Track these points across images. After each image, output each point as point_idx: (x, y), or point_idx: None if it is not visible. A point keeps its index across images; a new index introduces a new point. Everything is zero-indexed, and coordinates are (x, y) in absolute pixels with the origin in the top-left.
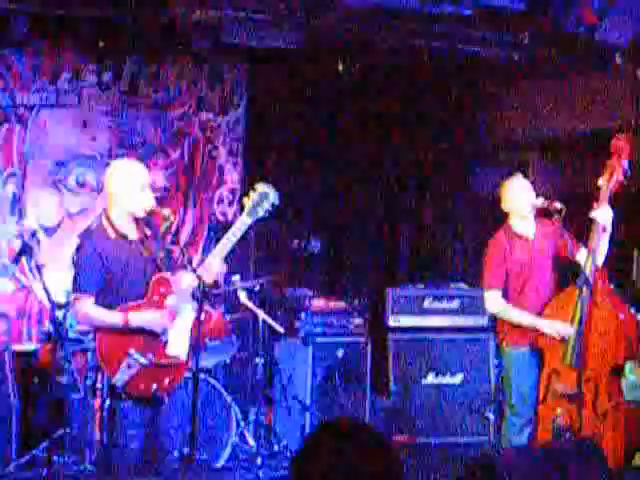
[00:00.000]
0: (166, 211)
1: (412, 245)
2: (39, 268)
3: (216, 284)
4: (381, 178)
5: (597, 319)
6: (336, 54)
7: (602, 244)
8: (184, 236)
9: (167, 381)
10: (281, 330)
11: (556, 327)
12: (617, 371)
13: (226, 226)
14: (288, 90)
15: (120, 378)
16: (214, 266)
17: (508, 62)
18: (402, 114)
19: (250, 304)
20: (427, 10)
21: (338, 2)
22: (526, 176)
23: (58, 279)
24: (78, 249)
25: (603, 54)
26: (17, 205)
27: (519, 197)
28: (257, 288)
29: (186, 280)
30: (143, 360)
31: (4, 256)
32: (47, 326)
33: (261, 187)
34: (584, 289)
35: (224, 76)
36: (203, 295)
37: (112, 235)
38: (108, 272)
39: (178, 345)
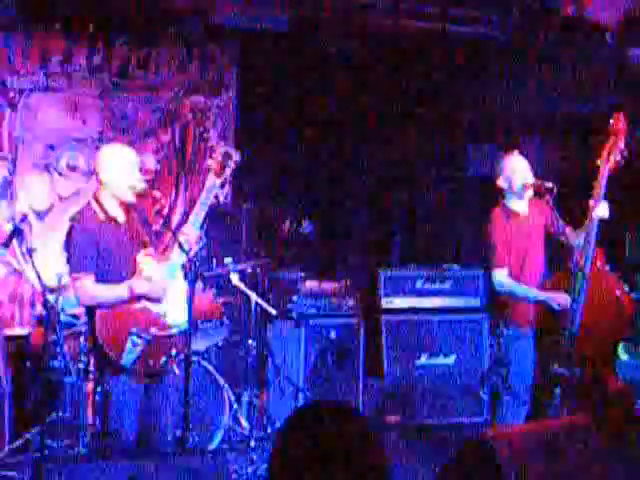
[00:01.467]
0: (157, 194)
1: (405, 226)
2: (30, 252)
3: (193, 252)
4: (373, 160)
5: (594, 299)
6: (326, 35)
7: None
8: (176, 219)
9: (174, 351)
10: (274, 312)
11: (561, 299)
12: (614, 351)
13: (218, 209)
14: (279, 72)
15: (128, 358)
16: (191, 234)
17: (497, 42)
18: (392, 96)
19: (242, 286)
20: None
21: None
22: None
23: (49, 263)
24: (69, 232)
25: (593, 34)
26: (8, 189)
27: (519, 173)
28: (249, 270)
29: (175, 256)
30: (147, 336)
31: None
32: (39, 310)
33: (222, 148)
34: (579, 273)
35: (214, 59)
36: (195, 276)
37: (102, 217)
38: (99, 253)
39: (177, 314)
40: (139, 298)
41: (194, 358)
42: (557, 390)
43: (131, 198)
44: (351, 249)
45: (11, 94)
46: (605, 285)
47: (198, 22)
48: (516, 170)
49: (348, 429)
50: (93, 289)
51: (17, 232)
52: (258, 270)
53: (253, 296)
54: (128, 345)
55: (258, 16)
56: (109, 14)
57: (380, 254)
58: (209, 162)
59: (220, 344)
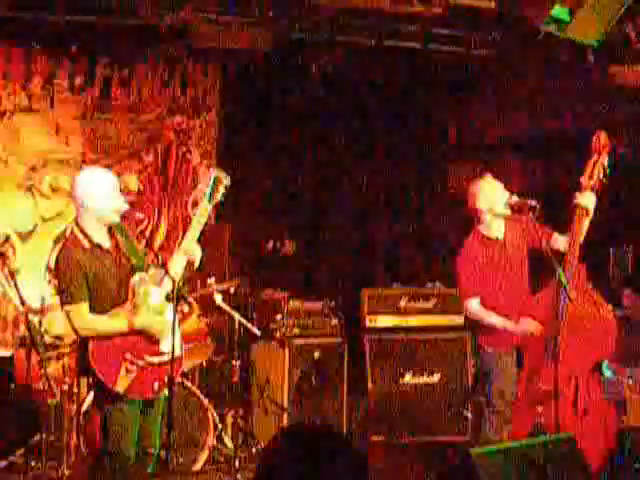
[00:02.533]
0: (140, 215)
1: (387, 245)
2: (12, 274)
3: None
4: (355, 179)
5: (576, 316)
6: (308, 55)
7: (582, 231)
8: (158, 239)
9: (167, 378)
10: (257, 332)
11: (524, 327)
12: (597, 368)
13: (203, 229)
14: (261, 91)
15: (121, 384)
16: (195, 251)
17: (479, 61)
18: (374, 114)
19: (226, 306)
20: (397, 9)
21: (308, 2)
22: (498, 176)
23: (33, 284)
24: (56, 262)
25: (575, 52)
26: None
27: (491, 197)
28: (232, 290)
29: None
30: (140, 362)
31: None
32: (22, 331)
33: (214, 172)
34: (561, 285)
35: (196, 79)
36: (179, 298)
37: (86, 245)
38: (88, 281)
39: (170, 341)
40: (131, 338)
41: (178, 379)
42: (540, 408)
43: (116, 219)
44: (334, 268)
45: None
46: (588, 301)
47: (180, 42)
48: (490, 193)
49: (332, 452)
50: (91, 321)
51: (0, 254)
52: (241, 290)
53: (236, 316)
54: (122, 372)
55: (239, 36)
56: (91, 35)
57: (363, 273)
58: (200, 187)
59: (204, 364)
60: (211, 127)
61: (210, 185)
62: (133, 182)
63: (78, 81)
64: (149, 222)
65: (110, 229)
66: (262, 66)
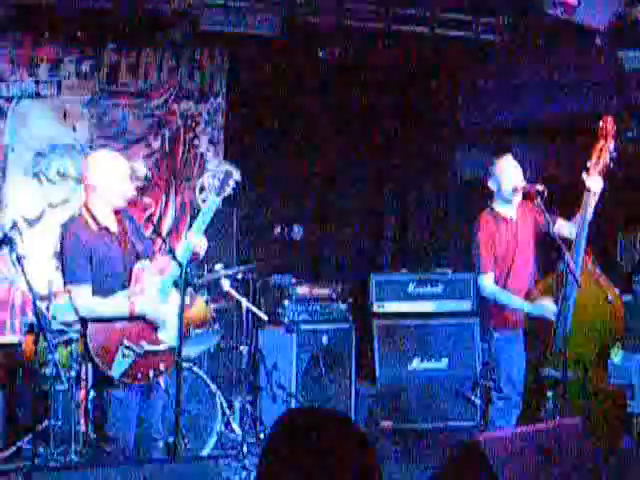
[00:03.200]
0: (147, 200)
1: (396, 230)
2: (20, 259)
3: (198, 258)
4: (364, 163)
5: (585, 301)
6: (315, 40)
7: (589, 215)
8: (166, 225)
9: (162, 366)
10: (265, 318)
11: (542, 308)
12: (605, 353)
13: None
14: (268, 77)
15: (117, 369)
16: (201, 243)
17: (488, 45)
18: (383, 99)
19: (234, 292)
20: None
21: None
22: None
23: (40, 270)
24: (61, 242)
25: (583, 36)
26: None
27: (507, 177)
28: (240, 276)
29: (170, 266)
30: (137, 349)
31: None
32: (30, 318)
33: (224, 166)
34: (568, 271)
35: (203, 64)
36: (186, 283)
37: (94, 227)
38: (92, 263)
39: (169, 329)
40: (138, 317)
41: (186, 365)
42: (549, 392)
43: (123, 204)
44: (342, 253)
45: (0, 102)
46: (596, 286)
47: (187, 27)
48: (507, 173)
49: (338, 434)
50: (93, 302)
51: (7, 240)
52: (249, 276)
53: (244, 302)
54: (118, 357)
55: (247, 21)
56: (98, 20)
57: (371, 258)
58: (210, 181)
59: (212, 350)
60: (218, 112)
61: (222, 179)
62: (141, 168)
63: (85, 67)
64: (157, 208)
65: (118, 213)
66: (270, 51)
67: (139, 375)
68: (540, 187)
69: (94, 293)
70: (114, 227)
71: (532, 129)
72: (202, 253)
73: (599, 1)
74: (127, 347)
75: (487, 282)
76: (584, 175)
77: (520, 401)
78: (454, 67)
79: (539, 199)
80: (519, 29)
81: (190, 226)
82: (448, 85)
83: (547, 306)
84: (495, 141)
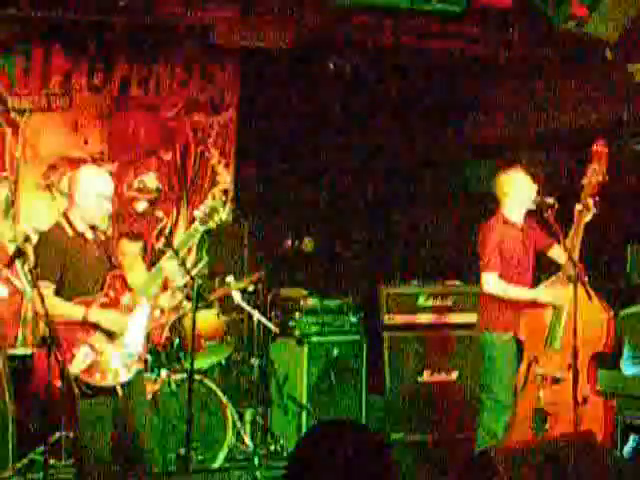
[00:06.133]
0: (159, 213)
1: (406, 242)
2: (32, 272)
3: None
4: (373, 176)
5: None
6: (326, 53)
7: (580, 233)
8: (177, 237)
9: (123, 371)
10: (276, 330)
11: (555, 294)
12: (598, 358)
13: (219, 227)
14: (279, 89)
15: (76, 366)
16: (170, 271)
17: (497, 60)
18: (392, 112)
19: (244, 305)
20: (416, 8)
21: (326, 1)
22: None
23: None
24: (38, 242)
25: (593, 49)
26: (10, 209)
27: (524, 187)
28: (251, 288)
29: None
30: (100, 350)
31: None
32: (42, 329)
33: (211, 202)
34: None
35: (214, 77)
36: (197, 297)
37: (70, 233)
38: (64, 265)
39: (134, 341)
40: (93, 325)
41: (197, 377)
42: (540, 393)
43: (98, 222)
44: (353, 266)
45: (12, 114)
46: (588, 300)
47: (198, 40)
48: (517, 184)
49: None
50: (52, 301)
51: (20, 252)
52: (260, 288)
53: (255, 314)
54: (79, 354)
55: (258, 35)
56: (109, 33)
57: (381, 271)
58: (195, 213)
59: (223, 362)
60: (229, 125)
61: (208, 213)
62: (152, 180)
63: (97, 80)
64: (168, 220)
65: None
66: (280, 64)
67: (97, 376)
68: (551, 200)
69: (59, 294)
70: (89, 235)
71: (543, 142)
72: (173, 279)
73: (610, 14)
74: (91, 346)
75: (491, 279)
76: (577, 206)
77: (511, 403)
78: (465, 81)
79: (549, 212)
80: (531, 43)
81: (202, 242)
82: (459, 99)
83: (559, 292)
84: (505, 155)
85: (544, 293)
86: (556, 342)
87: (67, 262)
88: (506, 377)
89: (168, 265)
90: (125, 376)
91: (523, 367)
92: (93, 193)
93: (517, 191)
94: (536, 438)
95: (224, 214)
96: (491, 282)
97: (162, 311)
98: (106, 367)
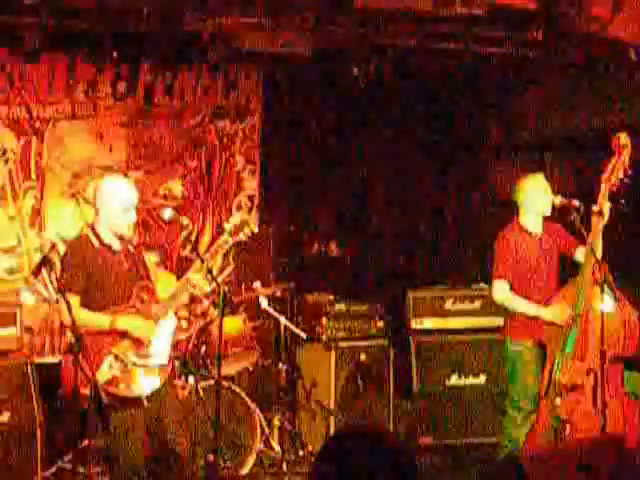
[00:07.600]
0: (185, 220)
1: (432, 246)
2: (58, 280)
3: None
4: (398, 181)
5: (597, 311)
6: (350, 58)
7: (599, 234)
8: (204, 244)
9: (145, 382)
10: (303, 335)
11: (557, 312)
12: (617, 362)
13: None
14: (303, 95)
15: (101, 377)
16: (199, 282)
17: (522, 61)
18: (417, 116)
19: (271, 310)
20: (439, 11)
21: (351, 5)
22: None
23: None
24: (64, 257)
25: (617, 50)
26: (36, 218)
27: (538, 195)
28: (278, 294)
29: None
30: (125, 361)
31: (26, 269)
32: (69, 338)
33: (240, 216)
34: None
35: (239, 84)
36: (224, 303)
37: (96, 244)
38: (90, 277)
39: (159, 352)
40: (120, 333)
41: (225, 383)
42: (557, 401)
43: (128, 233)
44: (380, 270)
45: (37, 123)
46: (616, 302)
47: (222, 47)
48: (537, 190)
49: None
50: (77, 312)
51: (46, 261)
52: (287, 293)
53: (282, 320)
54: (104, 365)
55: (282, 40)
56: (133, 41)
57: (408, 275)
58: (225, 225)
59: (251, 368)
60: (254, 131)
61: (238, 224)
62: (177, 188)
63: (121, 88)
64: (194, 227)
65: (122, 238)
66: (305, 69)
67: (122, 387)
68: (577, 203)
69: (84, 305)
70: (117, 246)
71: (565, 144)
72: (201, 289)
73: (633, 15)
74: (115, 357)
75: (500, 287)
76: (594, 208)
77: (533, 412)
78: (488, 83)
79: (575, 214)
80: (553, 45)
81: (229, 249)
82: (482, 101)
83: (560, 311)
84: (528, 157)
85: (545, 312)
86: (568, 347)
87: (92, 275)
88: (527, 384)
89: (196, 277)
90: (150, 387)
91: (545, 373)
92: (117, 203)
93: (532, 199)
94: (561, 444)
95: (254, 226)
96: (499, 291)
97: (189, 321)
98: (131, 378)
